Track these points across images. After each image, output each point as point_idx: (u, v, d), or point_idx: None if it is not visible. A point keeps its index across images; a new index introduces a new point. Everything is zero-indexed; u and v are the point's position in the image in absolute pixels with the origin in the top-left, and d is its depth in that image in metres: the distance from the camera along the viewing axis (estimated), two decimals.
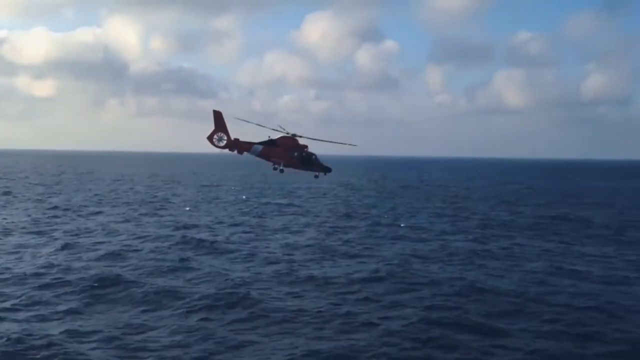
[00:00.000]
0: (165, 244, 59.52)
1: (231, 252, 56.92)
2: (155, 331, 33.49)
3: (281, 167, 38.98)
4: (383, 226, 76.80)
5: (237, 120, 37.93)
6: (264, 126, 37.77)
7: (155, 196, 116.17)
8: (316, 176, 40.01)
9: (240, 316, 36.31)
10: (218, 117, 37.77)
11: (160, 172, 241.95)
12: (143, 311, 37.63)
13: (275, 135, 38.77)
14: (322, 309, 37.81)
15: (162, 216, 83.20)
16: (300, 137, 38.85)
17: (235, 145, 37.99)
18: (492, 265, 51.67)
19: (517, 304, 39.16)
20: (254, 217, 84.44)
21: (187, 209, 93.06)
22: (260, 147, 38.67)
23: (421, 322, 34.40)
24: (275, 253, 56.36)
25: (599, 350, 31.04)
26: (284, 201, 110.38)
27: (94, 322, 35.10)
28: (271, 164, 39.30)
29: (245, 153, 38.77)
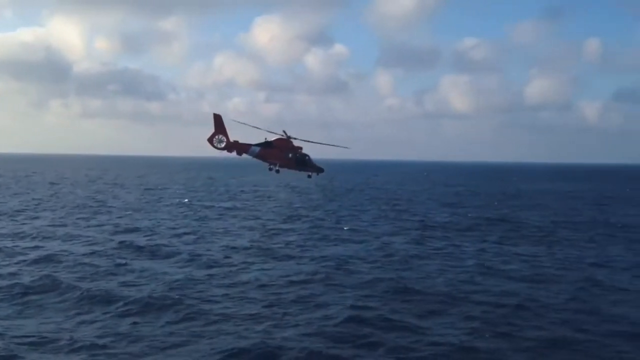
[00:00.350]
0: (103, 248, 59.01)
1: (170, 255, 56.73)
2: (86, 335, 33.30)
3: (277, 168, 40.54)
4: (325, 228, 77.69)
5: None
6: (259, 128, 39.35)
7: (97, 200, 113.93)
8: (309, 176, 41.81)
9: (173, 318, 36.52)
10: (218, 120, 39.26)
11: (104, 175, 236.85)
12: (76, 314, 37.49)
13: (272, 137, 40.08)
14: (256, 310, 38.41)
15: (101, 220, 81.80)
16: (295, 139, 40.28)
17: (235, 146, 39.48)
18: (426, 266, 53.15)
19: (446, 302, 40.57)
20: (195, 220, 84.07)
21: (129, 212, 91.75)
22: (258, 149, 40.22)
23: (351, 321, 35.34)
24: (214, 256, 56.37)
25: (517, 346, 32.60)
26: (228, 204, 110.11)
27: (23, 326, 34.68)
28: (267, 164, 40.89)
29: (243, 154, 40.38)
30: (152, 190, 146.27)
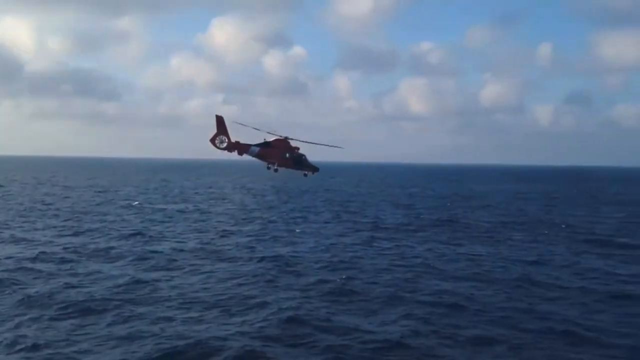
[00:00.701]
0: (49, 251, 58.23)
1: (118, 257, 56.38)
2: (27, 336, 33.14)
3: (275, 167, 42.06)
4: (277, 230, 77.86)
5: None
6: (259, 129, 40.83)
7: (45, 202, 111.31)
8: (305, 175, 43.41)
9: (116, 320, 36.67)
10: (220, 121, 40.74)
11: (54, 177, 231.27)
12: (16, 316, 37.07)
13: (270, 138, 41.43)
14: (200, 311, 38.60)
15: (49, 223, 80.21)
16: (292, 139, 41.76)
17: (235, 147, 40.91)
18: (373, 267, 53.87)
19: (388, 302, 41.39)
20: (145, 222, 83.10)
21: (77, 215, 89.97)
22: (257, 149, 41.82)
23: (293, 322, 35.75)
24: (162, 258, 56.06)
25: (454, 344, 33.50)
26: (181, 206, 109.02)
27: None
28: (266, 163, 42.44)
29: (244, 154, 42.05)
30: (103, 193, 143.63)
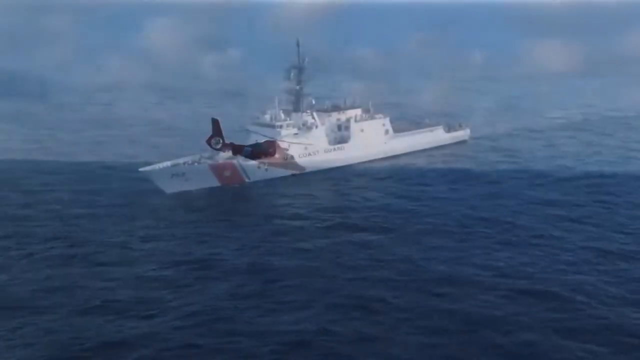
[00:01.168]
0: None
1: (35, 262, 56.31)
2: None
3: (266, 167, 43.93)
4: (202, 234, 77.62)
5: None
6: (251, 131, 42.22)
7: None
8: (294, 175, 45.46)
9: (22, 324, 36.65)
10: (216, 124, 41.98)
11: None
12: None
13: (261, 140, 43.04)
14: (109, 314, 38.87)
15: None
16: (282, 141, 43.81)
17: (230, 147, 42.29)
18: (292, 269, 54.97)
19: (300, 305, 42.75)
20: (68, 226, 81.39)
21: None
22: (250, 149, 43.26)
23: (202, 326, 36.41)
24: (81, 262, 56.01)
25: (358, 343, 34.74)
26: (107, 210, 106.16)
27: None
28: (257, 162, 44.04)
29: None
30: (27, 196, 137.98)
